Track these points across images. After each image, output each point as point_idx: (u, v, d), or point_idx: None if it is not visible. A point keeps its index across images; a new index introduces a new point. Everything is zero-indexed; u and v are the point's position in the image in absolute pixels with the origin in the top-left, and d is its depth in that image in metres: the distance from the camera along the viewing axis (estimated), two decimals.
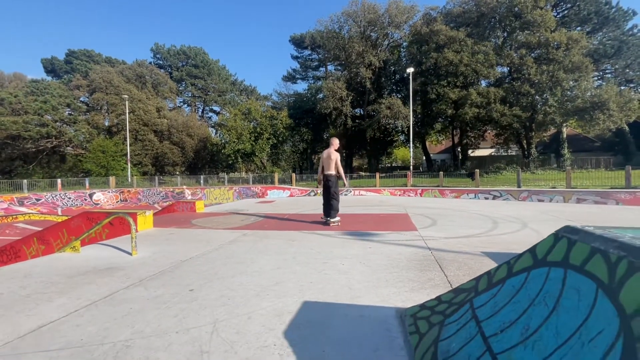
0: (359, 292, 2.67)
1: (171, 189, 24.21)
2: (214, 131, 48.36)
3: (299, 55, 48.00)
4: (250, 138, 33.56)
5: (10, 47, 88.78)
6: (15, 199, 18.30)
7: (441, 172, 18.94)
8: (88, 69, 39.98)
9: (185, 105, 52.40)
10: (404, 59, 33.97)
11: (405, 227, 6.02)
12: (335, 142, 6.49)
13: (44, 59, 45.82)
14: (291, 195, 19.67)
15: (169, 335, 1.98)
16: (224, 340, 1.91)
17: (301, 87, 69.08)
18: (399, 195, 16.73)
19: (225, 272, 3.30)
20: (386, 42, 34.93)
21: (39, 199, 19.26)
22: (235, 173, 35.64)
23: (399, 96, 33.53)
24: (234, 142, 33.20)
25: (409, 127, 27.37)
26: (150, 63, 47.09)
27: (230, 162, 34.87)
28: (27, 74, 46.16)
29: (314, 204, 11.30)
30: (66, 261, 3.84)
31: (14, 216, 14.60)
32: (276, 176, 24.07)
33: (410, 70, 25.97)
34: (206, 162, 41.37)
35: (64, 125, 34.89)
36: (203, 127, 44.84)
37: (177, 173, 36.44)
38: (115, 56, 48.25)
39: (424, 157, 39.56)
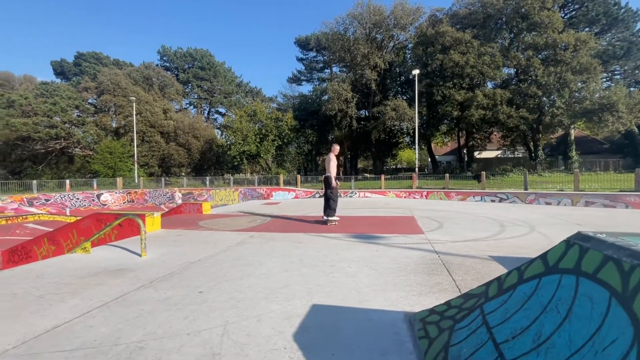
0: (367, 296, 2.68)
1: (177, 190, 24.40)
2: (220, 133, 48.68)
3: (304, 57, 48.16)
4: (255, 139, 33.70)
5: (21, 50, 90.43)
6: (25, 199, 18.59)
7: (447, 174, 18.83)
8: (96, 71, 40.54)
9: (192, 107, 52.86)
10: (409, 61, 33.85)
11: (411, 230, 6.01)
12: (335, 148, 6.97)
13: (54, 61, 46.56)
14: (296, 197, 19.71)
15: (181, 337, 2.01)
16: (235, 343, 1.93)
17: (306, 88, 69.38)
18: (405, 197, 16.67)
19: (233, 274, 3.33)
20: (391, 44, 34.86)
21: (48, 200, 19.54)
22: (241, 174, 35.83)
23: (405, 98, 33.39)
24: (240, 143, 33.37)
25: (414, 129, 27.30)
26: (157, 65, 47.60)
27: (235, 163, 35.05)
28: (37, 76, 46.90)
29: (319, 205, 11.29)
30: (77, 262, 3.90)
31: (24, 216, 14.85)
32: (281, 177, 24.14)
33: (416, 72, 25.89)
34: (212, 163, 41.64)
35: (73, 127, 35.38)
36: (209, 128, 45.17)
37: (183, 174, 36.73)
38: (123, 58, 48.88)
39: (429, 159, 39.35)
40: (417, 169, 24.41)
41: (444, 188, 17.12)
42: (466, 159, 33.83)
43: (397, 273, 3.30)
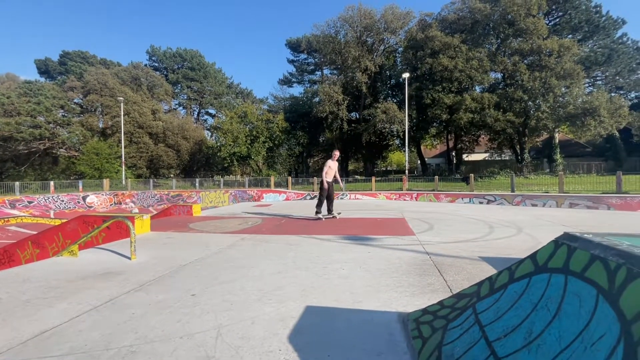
0: (360, 297, 2.70)
1: (166, 192, 24.04)
2: (210, 134, 48.22)
3: (295, 59, 48.18)
4: (246, 141, 33.51)
5: (3, 47, 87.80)
6: (6, 201, 18.02)
7: (436, 177, 19.09)
8: (82, 70, 39.69)
9: (181, 108, 52.23)
10: (399, 64, 34.28)
11: (403, 231, 6.07)
12: (334, 154, 7.93)
13: (38, 59, 45.42)
14: (287, 199, 19.66)
15: (174, 341, 1.99)
16: (229, 346, 1.92)
17: (297, 90, 69.56)
18: (395, 199, 16.82)
19: (226, 277, 3.31)
20: (382, 47, 35.24)
21: (32, 202, 18.99)
22: (231, 176, 35.53)
23: (395, 101, 33.76)
24: (230, 145, 33.13)
25: (404, 132, 27.61)
26: (145, 65, 46.89)
27: (225, 165, 34.76)
28: (20, 75, 45.64)
29: (311, 207, 11.30)
30: (65, 265, 3.81)
31: (6, 219, 14.37)
32: (272, 180, 24.05)
33: (406, 75, 26.23)
34: (201, 165, 41.19)
35: (58, 127, 34.51)
36: (199, 129, 44.70)
37: (172, 176, 36.21)
38: (111, 58, 47.99)
39: (419, 161, 39.82)
40: (407, 171, 24.70)
41: (433, 190, 17.35)
42: (455, 162, 34.38)
43: (390, 274, 3.33)
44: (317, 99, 36.38)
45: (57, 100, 34.15)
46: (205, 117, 54.66)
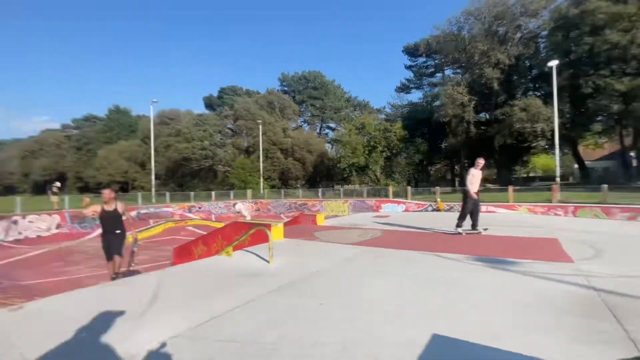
0: (499, 334, 2.34)
1: (294, 201, 26.90)
2: (330, 146, 51.60)
3: (413, 63, 46.76)
4: (364, 152, 34.28)
5: (183, 91, 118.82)
6: (186, 207, 23.80)
7: (604, 185, 14.78)
8: (233, 101, 49.19)
9: (306, 124, 57.95)
10: (543, 51, 28.71)
11: (555, 256, 4.96)
12: (477, 162, 7.27)
13: (204, 97, 58.94)
14: (406, 210, 18.99)
15: (307, 346, 2.19)
16: None
17: (415, 96, 67.03)
18: (541, 213, 13.94)
19: (348, 290, 3.44)
20: (518, 35, 30.36)
21: (201, 208, 24.46)
22: (350, 185, 36.88)
23: (538, 95, 28.37)
24: (349, 156, 34.52)
25: (552, 131, 22.73)
26: (277, 90, 54.44)
27: (345, 175, 36.37)
28: (194, 110, 60.07)
29: (432, 220, 10.56)
30: (224, 264, 4.74)
31: (186, 221, 18.96)
32: (390, 189, 23.69)
33: (554, 62, 21.63)
34: (323, 175, 44.39)
35: (216, 148, 43.66)
36: (321, 143, 48.47)
37: (299, 186, 40.30)
38: (252, 88, 57.91)
39: (576, 166, 31.97)
40: (558, 178, 20.14)
41: (600, 203, 13.54)
42: (635, 165, 26.05)
43: (537, 309, 2.78)
44: (437, 103, 34.16)
45: (217, 127, 43.30)
46: (327, 131, 58.95)
